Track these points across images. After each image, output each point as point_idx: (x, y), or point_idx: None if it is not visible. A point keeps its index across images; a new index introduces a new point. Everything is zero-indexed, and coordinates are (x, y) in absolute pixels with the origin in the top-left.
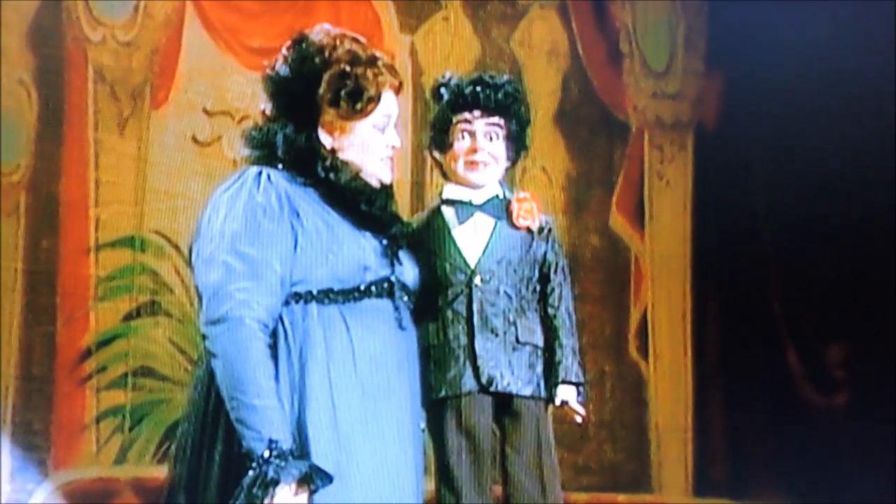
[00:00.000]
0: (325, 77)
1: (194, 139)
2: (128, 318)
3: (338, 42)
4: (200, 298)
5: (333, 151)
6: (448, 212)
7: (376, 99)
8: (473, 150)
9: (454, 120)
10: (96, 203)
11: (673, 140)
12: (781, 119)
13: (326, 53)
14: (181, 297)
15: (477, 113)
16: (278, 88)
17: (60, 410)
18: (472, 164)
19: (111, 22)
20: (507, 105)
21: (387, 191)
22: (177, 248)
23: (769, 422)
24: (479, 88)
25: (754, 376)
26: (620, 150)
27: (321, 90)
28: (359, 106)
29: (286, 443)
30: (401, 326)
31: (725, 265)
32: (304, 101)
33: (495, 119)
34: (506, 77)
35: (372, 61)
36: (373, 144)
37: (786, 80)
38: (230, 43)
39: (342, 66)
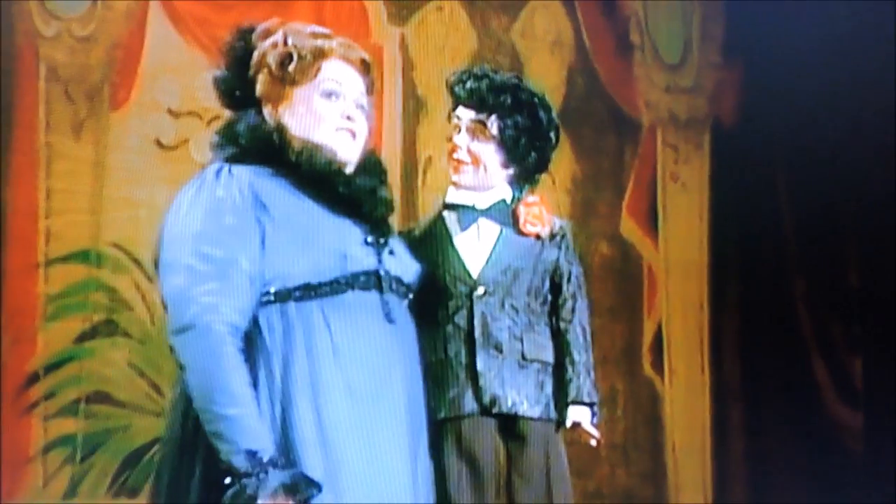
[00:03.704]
0: (258, 50)
1: (158, 143)
2: (81, 338)
3: (278, 26)
4: (166, 309)
5: (280, 128)
6: (450, 217)
7: (311, 63)
8: (453, 148)
9: (451, 116)
10: (47, 213)
11: (688, 138)
12: (805, 114)
13: (260, 32)
14: (141, 315)
15: (464, 108)
16: (220, 87)
17: (3, 441)
18: (453, 163)
19: (66, 15)
20: (494, 100)
21: (370, 173)
22: (137, 261)
23: (795, 442)
24: (463, 79)
25: (778, 393)
26: (631, 149)
27: (253, 60)
28: (290, 68)
29: (266, 452)
30: (390, 320)
31: (746, 273)
32: (243, 89)
33: (480, 116)
34: (505, 73)
35: (315, 34)
36: (324, 115)
37: (809, 71)
38: (199, 37)
39: (275, 37)
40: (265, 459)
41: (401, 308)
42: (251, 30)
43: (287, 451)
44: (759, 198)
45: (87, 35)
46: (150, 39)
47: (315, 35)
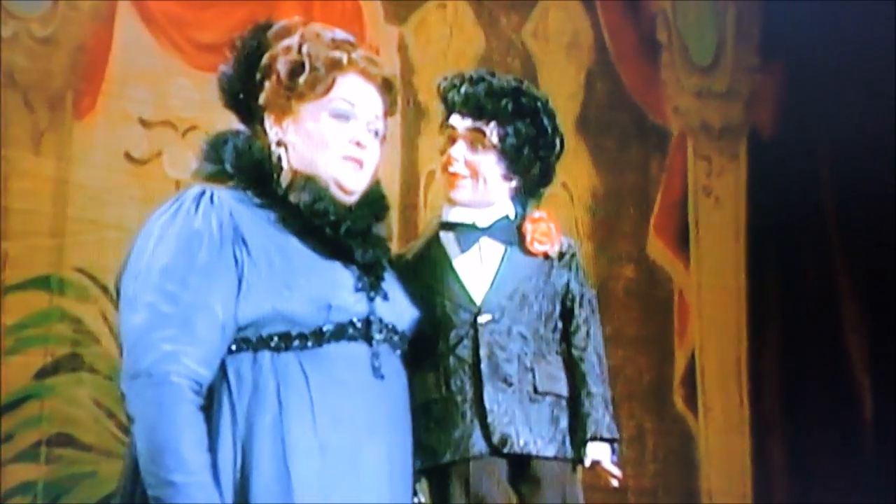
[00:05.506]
0: (269, 52)
1: (128, 156)
2: (42, 374)
3: (298, 25)
4: (121, 348)
5: (273, 153)
6: (448, 238)
7: (324, 76)
8: (448, 161)
9: (444, 125)
10: (4, 236)
11: (722, 148)
12: (851, 121)
13: (278, 31)
14: (109, 348)
15: (459, 116)
16: (225, 89)
17: None
18: (449, 178)
19: (25, 14)
20: (493, 106)
21: (368, 207)
22: (104, 289)
23: (843, 485)
24: (457, 84)
25: (825, 430)
26: (658, 161)
27: (262, 63)
28: (301, 79)
29: None
30: (378, 375)
31: (788, 298)
32: (248, 93)
33: (478, 123)
34: (505, 76)
35: (336, 42)
36: (331, 139)
37: (855, 75)
38: (174, 38)
39: (290, 41)
40: None
41: (391, 359)
42: (268, 26)
43: None
44: (802, 214)
45: (49, 36)
46: (119, 41)
47: (335, 43)
